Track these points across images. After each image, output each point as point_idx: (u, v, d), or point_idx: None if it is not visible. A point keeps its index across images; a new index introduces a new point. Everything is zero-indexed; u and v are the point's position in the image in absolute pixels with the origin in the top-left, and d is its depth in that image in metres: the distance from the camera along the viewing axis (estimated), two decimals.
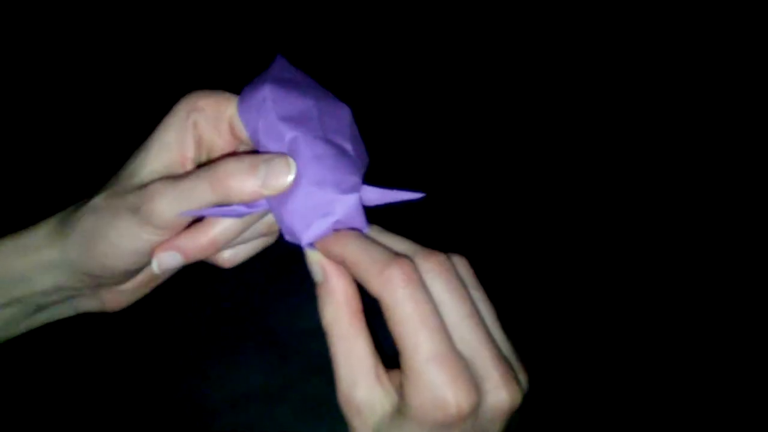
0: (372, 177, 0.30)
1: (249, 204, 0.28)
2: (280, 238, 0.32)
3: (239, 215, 0.29)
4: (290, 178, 0.27)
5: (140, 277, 0.33)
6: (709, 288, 1.09)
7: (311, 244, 0.27)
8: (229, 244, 0.31)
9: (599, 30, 1.38)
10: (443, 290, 0.25)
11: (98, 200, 0.30)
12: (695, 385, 0.99)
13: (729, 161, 1.23)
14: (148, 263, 0.31)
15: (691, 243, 1.14)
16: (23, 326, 0.33)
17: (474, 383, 0.24)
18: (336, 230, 0.27)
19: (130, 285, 0.33)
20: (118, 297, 0.33)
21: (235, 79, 0.36)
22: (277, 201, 0.28)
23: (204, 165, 0.30)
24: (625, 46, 1.35)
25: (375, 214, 0.29)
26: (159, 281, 0.34)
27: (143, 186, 0.29)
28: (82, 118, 1.19)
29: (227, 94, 0.31)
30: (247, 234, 0.31)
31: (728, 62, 1.31)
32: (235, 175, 0.27)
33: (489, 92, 1.33)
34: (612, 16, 1.37)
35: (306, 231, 0.27)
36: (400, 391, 0.25)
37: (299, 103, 0.30)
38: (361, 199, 0.28)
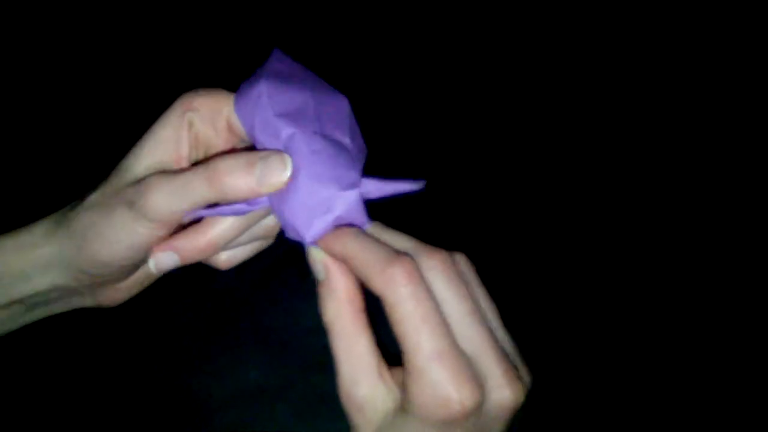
0: (371, 169, 0.30)
1: (249, 202, 0.28)
2: (280, 236, 0.32)
3: (240, 213, 0.29)
4: (286, 175, 0.27)
5: (136, 275, 0.33)
6: (710, 288, 1.09)
7: (314, 242, 0.27)
8: (226, 246, 0.31)
9: (600, 28, 1.38)
10: (445, 288, 0.25)
11: (94, 197, 0.30)
12: (695, 384, 1.00)
13: (729, 161, 1.23)
14: (143, 260, 0.31)
15: (692, 242, 1.14)
16: (20, 322, 0.33)
17: (477, 381, 0.24)
18: (338, 226, 0.27)
19: (125, 283, 0.33)
20: (114, 294, 0.33)
21: (234, 75, 0.36)
22: (278, 199, 0.28)
23: (200, 163, 0.30)
24: (625, 46, 1.35)
25: (376, 210, 0.29)
26: (154, 278, 0.34)
27: (138, 181, 0.29)
28: (81, 117, 1.19)
29: (223, 92, 0.31)
30: (244, 237, 0.31)
31: (728, 62, 1.31)
32: (231, 172, 0.27)
33: (490, 81, 1.33)
34: (612, 16, 1.37)
35: (308, 229, 0.27)
36: (403, 388, 0.25)
37: (296, 98, 0.30)
38: (361, 193, 0.28)
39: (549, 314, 1.05)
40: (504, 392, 0.25)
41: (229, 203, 0.29)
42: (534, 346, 0.95)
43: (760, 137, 1.24)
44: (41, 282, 0.30)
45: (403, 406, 0.25)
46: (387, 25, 1.38)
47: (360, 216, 0.27)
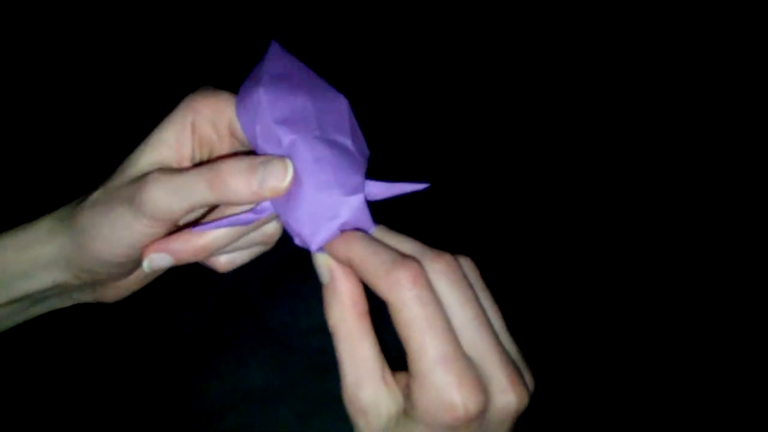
0: (374, 170, 0.29)
1: (255, 210, 0.28)
2: (283, 237, 0.32)
3: (247, 223, 0.29)
4: (287, 179, 0.27)
5: (136, 272, 0.33)
6: (712, 288, 1.09)
7: (320, 249, 0.27)
8: (222, 250, 0.31)
9: (600, 28, 1.38)
10: (450, 292, 0.25)
11: (95, 195, 0.30)
12: (699, 387, 0.99)
13: (729, 161, 1.23)
14: (141, 259, 0.31)
15: (697, 243, 1.14)
16: (21, 318, 0.33)
17: (481, 385, 0.24)
18: (343, 231, 0.27)
19: (126, 280, 0.33)
20: (114, 291, 0.33)
21: (237, 73, 0.36)
22: (283, 207, 0.28)
23: (203, 164, 0.30)
24: (625, 46, 1.35)
25: (381, 213, 0.29)
26: (155, 276, 0.34)
27: (139, 178, 0.29)
28: (85, 117, 1.19)
29: (227, 96, 0.31)
30: (242, 242, 0.31)
31: (728, 62, 1.31)
32: (233, 175, 0.27)
33: (493, 81, 1.32)
34: (612, 16, 1.37)
35: (314, 236, 0.27)
36: (407, 393, 0.25)
37: (295, 102, 0.29)
38: (365, 197, 0.28)
39: (554, 318, 1.05)
40: (508, 397, 0.25)
41: (228, 207, 0.28)
42: (538, 350, 0.95)
43: (760, 137, 1.24)
44: (42, 279, 0.31)
45: (407, 411, 0.25)
46: (389, 25, 1.38)
47: (365, 220, 0.27)
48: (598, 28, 1.38)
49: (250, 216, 0.28)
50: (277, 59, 0.32)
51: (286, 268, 0.97)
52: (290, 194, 0.27)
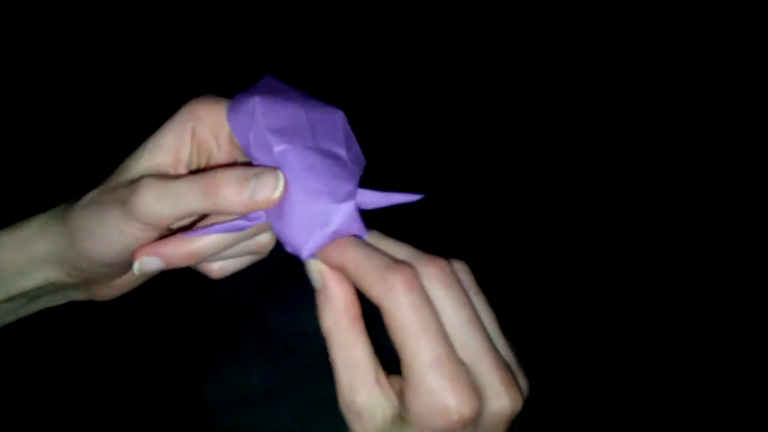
0: (370, 179, 0.30)
1: (248, 217, 0.29)
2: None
3: (240, 229, 0.29)
4: (278, 192, 0.27)
5: (130, 272, 0.33)
6: (709, 290, 1.09)
7: (311, 256, 0.27)
8: (214, 256, 0.31)
9: (599, 30, 1.37)
10: (444, 296, 0.25)
11: (89, 195, 0.30)
12: (696, 392, 0.99)
13: (729, 161, 1.23)
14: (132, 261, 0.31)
15: (692, 246, 1.14)
16: (14, 317, 0.34)
17: (475, 389, 0.24)
18: (335, 238, 0.27)
19: (120, 280, 0.33)
20: (108, 290, 0.33)
21: (238, 79, 0.36)
22: (275, 215, 0.28)
23: (199, 172, 0.30)
24: (625, 46, 1.35)
25: (374, 218, 0.29)
26: (148, 277, 0.34)
27: (133, 181, 0.29)
28: (85, 119, 1.19)
29: (229, 104, 0.31)
30: (235, 250, 0.31)
31: (728, 62, 1.31)
32: (226, 185, 0.27)
33: (486, 92, 1.33)
34: (612, 16, 1.37)
35: (305, 244, 0.27)
36: (401, 396, 0.25)
37: (289, 113, 0.30)
38: (357, 205, 0.28)
39: (548, 321, 1.05)
40: (502, 400, 0.25)
41: (219, 218, 0.28)
42: (533, 353, 0.95)
43: (760, 137, 1.24)
44: (37, 277, 0.31)
45: (402, 415, 0.25)
46: (385, 36, 1.38)
47: (357, 228, 0.27)
48: (597, 29, 1.38)
49: (242, 223, 0.29)
50: (270, 83, 0.32)
51: (285, 271, 0.97)
52: (282, 202, 0.28)
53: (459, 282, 0.26)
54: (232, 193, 0.27)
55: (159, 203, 0.28)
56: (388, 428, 0.26)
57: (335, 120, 0.30)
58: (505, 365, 0.26)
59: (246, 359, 0.97)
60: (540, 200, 1.20)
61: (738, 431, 0.97)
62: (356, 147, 0.30)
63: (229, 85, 0.35)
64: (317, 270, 0.27)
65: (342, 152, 0.29)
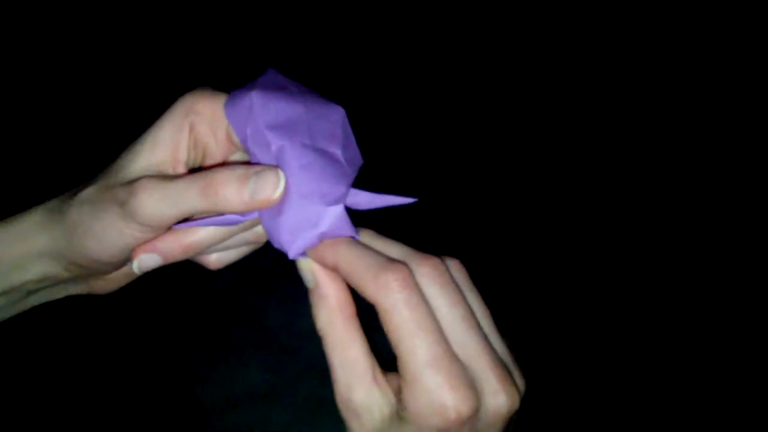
0: (365, 179, 0.29)
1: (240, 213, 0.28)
2: None
3: (232, 224, 0.29)
4: (279, 191, 0.27)
5: (127, 267, 0.33)
6: (709, 288, 1.09)
7: (303, 253, 0.27)
8: (210, 249, 0.31)
9: (598, 30, 1.37)
10: (438, 294, 0.25)
11: (87, 192, 0.30)
12: (695, 387, 0.99)
13: (729, 161, 1.22)
14: (130, 259, 0.31)
15: (690, 245, 1.14)
16: (13, 311, 0.33)
17: (472, 387, 0.24)
18: (323, 240, 0.27)
19: (116, 274, 0.33)
20: (105, 284, 0.33)
21: (236, 73, 0.35)
22: (265, 212, 0.28)
23: (197, 169, 0.30)
24: (625, 46, 1.35)
25: (368, 218, 0.29)
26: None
27: (132, 181, 0.29)
28: (81, 114, 1.19)
29: (226, 98, 0.31)
30: (233, 241, 0.31)
31: (728, 62, 1.31)
32: (226, 184, 0.27)
33: (482, 94, 1.33)
34: (612, 16, 1.37)
35: (292, 244, 0.27)
36: (399, 394, 0.25)
37: (288, 109, 0.29)
38: (351, 206, 0.28)
39: (543, 318, 1.05)
40: (499, 398, 0.25)
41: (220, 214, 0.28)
42: (529, 350, 0.95)
43: (760, 137, 1.23)
44: (34, 271, 0.31)
45: (399, 413, 0.25)
46: (384, 36, 1.38)
47: (346, 230, 0.27)
48: (596, 29, 1.38)
49: (236, 217, 0.28)
50: (272, 77, 0.32)
51: (283, 270, 0.97)
52: None
53: (453, 280, 0.26)
54: (232, 192, 0.27)
55: (158, 205, 0.27)
56: (385, 426, 0.26)
57: (334, 117, 0.30)
58: (501, 363, 0.26)
59: (246, 359, 0.97)
60: (533, 199, 1.20)
61: (738, 431, 0.97)
62: (353, 146, 0.30)
63: (230, 81, 0.35)
64: (308, 269, 0.27)
65: (338, 151, 0.29)
